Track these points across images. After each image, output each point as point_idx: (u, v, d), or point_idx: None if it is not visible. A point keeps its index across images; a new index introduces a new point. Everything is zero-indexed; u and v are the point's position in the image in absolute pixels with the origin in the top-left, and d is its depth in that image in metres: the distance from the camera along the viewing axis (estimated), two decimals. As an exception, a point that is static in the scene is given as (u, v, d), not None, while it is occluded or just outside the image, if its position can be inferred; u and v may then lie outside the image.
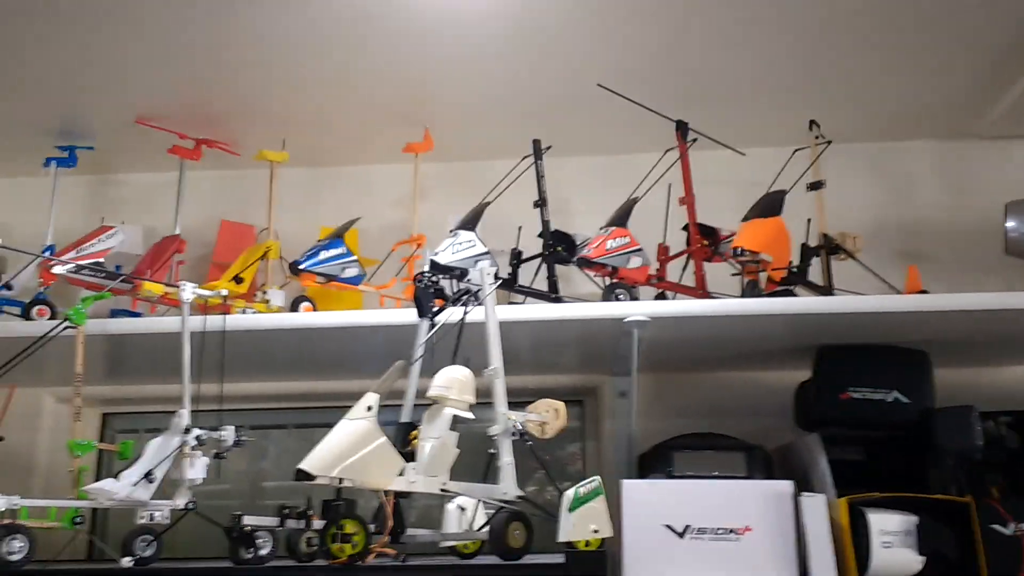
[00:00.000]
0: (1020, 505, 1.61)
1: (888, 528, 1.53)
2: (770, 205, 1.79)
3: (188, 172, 2.07)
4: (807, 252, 1.87)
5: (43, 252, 1.88)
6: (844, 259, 1.90)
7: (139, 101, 1.99)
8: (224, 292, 1.61)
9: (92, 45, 1.79)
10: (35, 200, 2.04)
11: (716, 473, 1.68)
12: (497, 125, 2.10)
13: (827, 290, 1.87)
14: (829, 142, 1.91)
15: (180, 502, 1.48)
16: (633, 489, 1.60)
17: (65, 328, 1.60)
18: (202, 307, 1.58)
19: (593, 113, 2.03)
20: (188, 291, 1.56)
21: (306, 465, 1.28)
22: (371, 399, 1.36)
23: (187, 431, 1.48)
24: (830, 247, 1.89)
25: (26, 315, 1.83)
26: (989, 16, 1.75)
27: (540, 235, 1.89)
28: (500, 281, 1.59)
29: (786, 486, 1.58)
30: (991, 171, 2.17)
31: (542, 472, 1.86)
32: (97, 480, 1.47)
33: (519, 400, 1.49)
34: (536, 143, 1.91)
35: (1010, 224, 1.87)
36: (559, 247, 1.88)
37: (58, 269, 1.82)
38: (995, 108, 2.07)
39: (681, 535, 1.56)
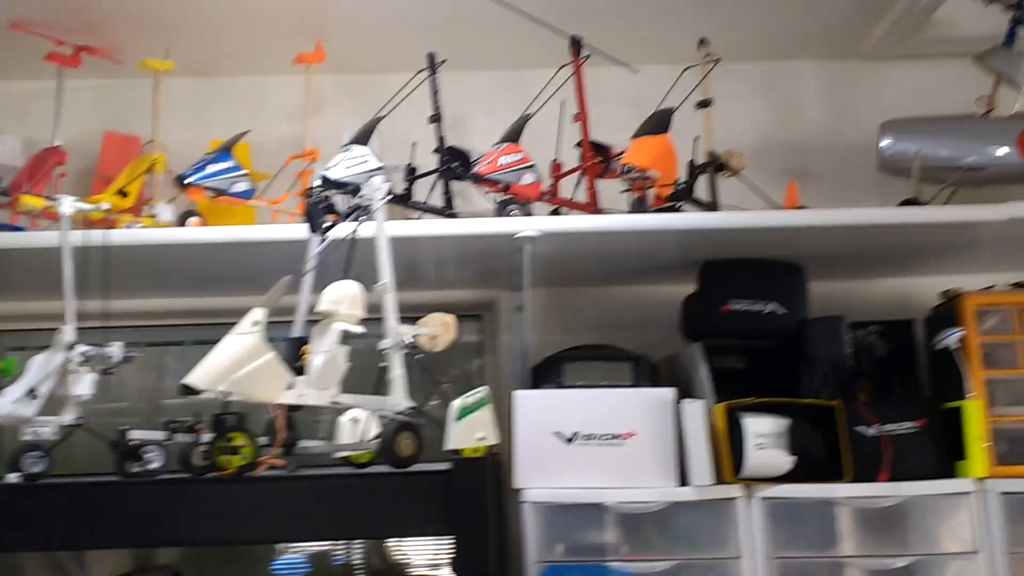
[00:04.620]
0: (884, 409, 1.72)
1: (762, 431, 1.62)
2: (658, 123, 1.81)
3: (69, 81, 1.97)
4: (694, 169, 1.90)
5: (-87, 164, 1.80)
6: (730, 176, 1.94)
7: (14, 4, 1.87)
8: (106, 206, 1.57)
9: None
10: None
11: (604, 382, 1.75)
12: (392, 38, 2.05)
13: (712, 206, 1.91)
14: (718, 60, 1.93)
15: (67, 418, 1.46)
16: (524, 399, 1.66)
17: (-64, 244, 1.55)
18: (85, 221, 1.54)
19: (488, 27, 2.00)
20: (67, 205, 1.51)
21: (191, 380, 1.28)
22: (257, 314, 1.36)
23: (71, 347, 1.45)
24: (716, 165, 1.92)
25: None
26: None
27: (436, 151, 1.88)
28: (390, 196, 1.59)
29: (667, 393, 1.66)
30: (870, 91, 2.23)
31: (447, 386, 1.91)
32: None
33: (419, 315, 1.51)
34: (431, 57, 1.89)
35: (884, 143, 1.93)
36: (454, 163, 1.88)
37: (-71, 182, 1.74)
38: (875, 30, 2.11)
39: (569, 441, 1.64)
